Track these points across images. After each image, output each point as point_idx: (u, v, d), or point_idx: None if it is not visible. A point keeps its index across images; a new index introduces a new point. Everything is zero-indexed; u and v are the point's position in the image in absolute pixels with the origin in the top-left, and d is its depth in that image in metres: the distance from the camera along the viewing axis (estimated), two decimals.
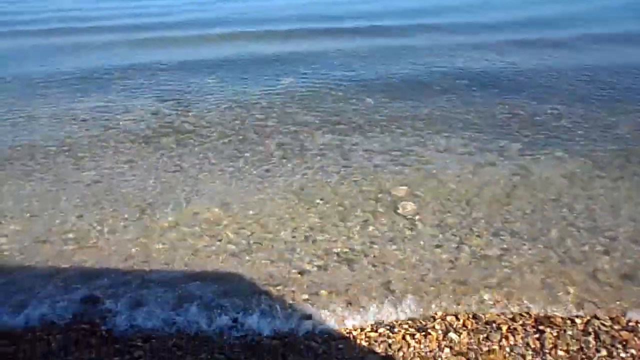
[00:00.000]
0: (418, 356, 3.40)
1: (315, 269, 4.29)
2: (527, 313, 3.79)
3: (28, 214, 5.15)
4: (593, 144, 6.61)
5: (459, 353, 3.42)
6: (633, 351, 3.40)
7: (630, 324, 3.66)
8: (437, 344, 3.49)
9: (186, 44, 13.00)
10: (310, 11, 17.28)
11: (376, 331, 3.62)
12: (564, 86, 9.03)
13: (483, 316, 3.76)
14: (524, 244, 4.59)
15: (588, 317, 3.72)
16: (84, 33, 14.79)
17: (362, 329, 3.65)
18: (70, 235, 4.78)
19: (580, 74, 9.63)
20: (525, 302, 3.90)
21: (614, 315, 3.75)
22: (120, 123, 7.55)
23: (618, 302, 3.87)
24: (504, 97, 8.48)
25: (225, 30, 14.26)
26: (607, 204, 5.23)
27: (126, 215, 5.11)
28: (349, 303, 3.89)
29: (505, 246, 4.57)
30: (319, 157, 6.32)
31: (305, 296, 3.96)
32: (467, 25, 14.59)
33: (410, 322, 3.71)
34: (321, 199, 5.37)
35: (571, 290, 4.02)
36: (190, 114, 7.88)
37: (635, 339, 3.51)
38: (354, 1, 20.02)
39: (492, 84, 9.22)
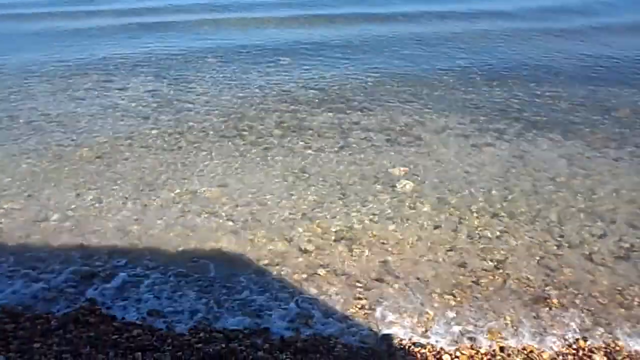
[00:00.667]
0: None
1: (313, 247, 4.31)
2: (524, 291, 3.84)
3: (26, 193, 5.12)
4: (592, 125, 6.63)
5: None
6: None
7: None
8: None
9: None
10: None
11: (375, 309, 3.66)
12: (565, 69, 8.98)
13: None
14: (523, 226, 4.62)
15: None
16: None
17: (360, 307, 3.68)
18: (69, 213, 4.77)
19: (582, 59, 9.57)
20: (522, 282, 3.93)
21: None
22: (119, 102, 7.48)
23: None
24: (504, 79, 8.44)
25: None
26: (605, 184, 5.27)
27: (124, 194, 5.10)
28: (347, 283, 3.92)
29: (502, 228, 4.59)
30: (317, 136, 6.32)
31: (304, 275, 3.99)
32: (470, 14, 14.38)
33: (408, 301, 3.75)
34: (319, 178, 5.38)
35: (567, 272, 4.05)
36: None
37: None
38: None
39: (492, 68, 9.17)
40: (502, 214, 4.79)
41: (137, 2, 14.41)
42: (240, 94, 7.69)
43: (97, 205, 4.91)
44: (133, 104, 7.33)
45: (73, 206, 4.89)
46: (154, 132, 6.44)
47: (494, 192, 5.15)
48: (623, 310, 3.68)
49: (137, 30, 11.62)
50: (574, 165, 5.70)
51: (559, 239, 4.46)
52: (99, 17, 12.97)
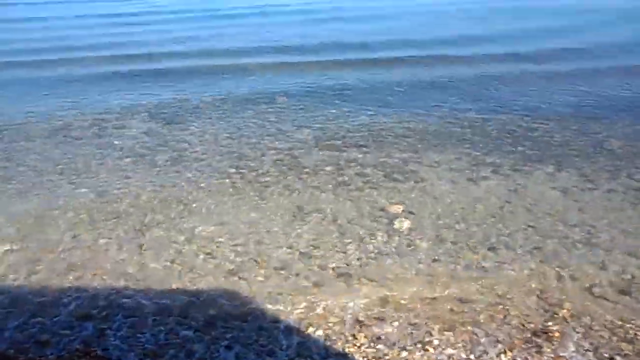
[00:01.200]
0: None
1: (311, 285, 4.28)
2: (524, 326, 3.80)
3: (21, 234, 5.10)
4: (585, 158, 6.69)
5: None
6: None
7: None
8: None
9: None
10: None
11: (374, 348, 3.61)
12: (558, 105, 9.13)
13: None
14: (521, 260, 4.60)
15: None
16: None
17: (359, 346, 3.63)
18: (65, 255, 4.75)
19: (574, 95, 9.75)
20: (523, 316, 3.90)
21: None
22: (115, 141, 7.52)
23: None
24: (497, 114, 8.56)
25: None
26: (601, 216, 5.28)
27: (121, 233, 5.08)
28: (346, 320, 3.87)
29: (501, 261, 4.57)
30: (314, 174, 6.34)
31: (302, 313, 3.94)
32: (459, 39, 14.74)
33: (408, 338, 3.70)
34: (317, 216, 5.37)
35: (568, 306, 4.02)
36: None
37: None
38: None
39: (481, 99, 9.32)
40: (500, 247, 4.78)
41: (130, 49, 14.63)
42: (237, 134, 7.76)
43: (93, 246, 4.88)
44: (129, 144, 7.37)
45: (69, 247, 4.87)
46: (151, 170, 6.47)
47: (490, 226, 5.15)
48: (626, 344, 3.63)
49: (131, 76, 11.76)
50: (569, 198, 5.73)
51: (558, 271, 4.44)
52: (90, 65, 13.14)
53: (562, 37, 14.96)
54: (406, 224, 5.18)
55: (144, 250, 4.81)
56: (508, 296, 4.13)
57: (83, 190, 6.00)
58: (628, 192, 5.79)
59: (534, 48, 13.45)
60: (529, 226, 5.13)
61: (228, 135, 7.70)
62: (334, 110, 8.76)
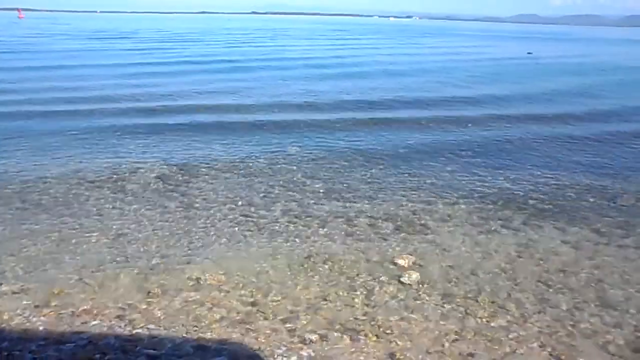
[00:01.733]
0: None
1: (317, 338, 4.20)
2: None
3: (29, 274, 5.10)
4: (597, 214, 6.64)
5: None
6: None
7: None
8: None
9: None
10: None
11: None
12: (568, 158, 9.17)
13: None
14: (531, 316, 4.51)
15: None
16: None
17: None
18: (67, 299, 4.72)
19: (583, 148, 9.80)
20: None
21: None
22: (127, 186, 7.59)
23: None
24: (509, 168, 8.60)
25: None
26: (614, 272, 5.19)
27: (128, 278, 5.07)
28: None
29: (510, 318, 4.48)
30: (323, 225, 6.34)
31: None
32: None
33: None
34: (325, 267, 5.34)
35: None
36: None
37: None
38: None
39: (494, 154, 9.38)
40: (510, 304, 4.70)
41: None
42: (247, 182, 7.81)
43: (98, 289, 4.86)
44: (141, 190, 7.43)
45: (74, 290, 4.84)
46: (160, 216, 6.50)
47: (500, 281, 5.08)
48: None
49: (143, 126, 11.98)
50: (581, 253, 5.66)
51: (570, 329, 4.34)
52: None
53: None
54: (415, 275, 5.13)
55: (150, 295, 4.78)
56: (519, 353, 4.03)
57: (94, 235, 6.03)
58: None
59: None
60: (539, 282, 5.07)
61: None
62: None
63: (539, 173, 8.31)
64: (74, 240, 5.83)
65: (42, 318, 4.41)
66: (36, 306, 4.58)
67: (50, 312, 4.51)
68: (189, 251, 5.63)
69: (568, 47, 36.23)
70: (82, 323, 4.35)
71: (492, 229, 6.24)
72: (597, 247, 5.83)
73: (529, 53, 33.09)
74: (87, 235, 5.97)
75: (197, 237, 5.99)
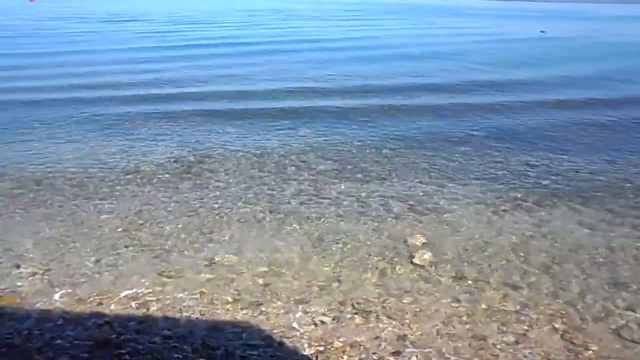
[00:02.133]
0: None
1: (329, 319, 4.24)
2: None
3: (47, 258, 5.18)
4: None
5: None
6: None
7: None
8: None
9: None
10: None
11: None
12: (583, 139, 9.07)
13: None
14: (543, 299, 4.51)
15: None
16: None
17: None
18: (84, 280, 4.80)
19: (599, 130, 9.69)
20: (545, 357, 3.80)
21: None
22: (141, 168, 7.65)
23: None
24: (522, 149, 8.53)
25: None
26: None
27: (143, 261, 5.13)
28: (363, 357, 3.82)
29: (523, 300, 4.48)
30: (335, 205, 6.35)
31: (321, 348, 3.91)
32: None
33: None
34: (337, 248, 5.36)
35: (593, 347, 3.91)
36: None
37: None
38: None
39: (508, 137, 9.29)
40: (522, 285, 4.69)
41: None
42: (259, 163, 7.84)
43: (114, 273, 4.92)
44: (154, 172, 7.48)
45: (91, 272, 4.92)
46: (174, 198, 6.56)
47: (513, 263, 5.07)
48: None
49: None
50: (596, 234, 5.63)
51: (582, 312, 4.33)
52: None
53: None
54: (427, 256, 5.14)
55: (164, 277, 4.84)
56: (530, 335, 4.04)
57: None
58: None
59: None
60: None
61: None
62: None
63: (553, 155, 8.22)
64: (89, 223, 5.91)
65: (59, 299, 4.50)
66: (53, 287, 4.67)
67: (68, 292, 4.59)
68: (202, 232, 5.69)
69: (580, 26, 35.63)
70: (98, 304, 4.43)
71: (505, 209, 6.21)
72: (610, 227, 5.79)
73: (541, 32, 32.68)
74: (103, 218, 6.05)
75: (210, 218, 6.03)
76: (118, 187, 6.93)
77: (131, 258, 5.18)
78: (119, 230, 5.77)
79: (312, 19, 38.63)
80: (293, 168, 7.62)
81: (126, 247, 5.40)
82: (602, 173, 7.42)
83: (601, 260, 5.12)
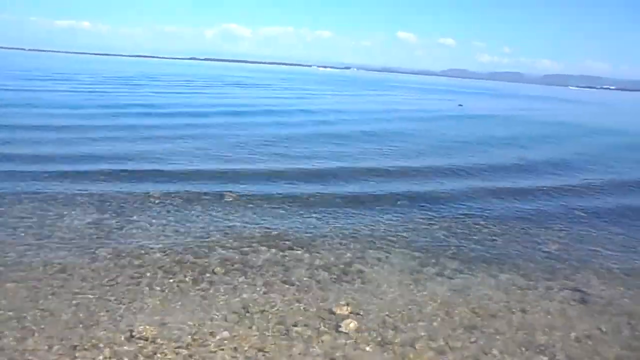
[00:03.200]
0: None
1: None
2: None
3: None
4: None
5: None
6: None
7: None
8: None
9: None
10: None
11: None
12: (499, 210, 9.61)
13: None
14: None
15: None
16: None
17: None
18: None
19: (514, 201, 10.32)
20: None
21: None
22: (56, 232, 7.25)
23: None
24: (443, 218, 8.90)
25: None
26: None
27: (53, 333, 4.78)
28: None
29: None
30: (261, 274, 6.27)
31: None
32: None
33: None
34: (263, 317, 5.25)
35: None
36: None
37: None
38: None
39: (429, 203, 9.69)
40: (447, 350, 4.78)
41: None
42: (182, 229, 7.65)
43: (19, 347, 4.54)
44: (71, 235, 7.11)
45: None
46: (91, 266, 6.22)
47: (435, 327, 5.17)
48: None
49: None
50: (511, 298, 5.88)
51: None
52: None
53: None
54: (352, 325, 5.13)
55: (77, 350, 4.52)
56: None
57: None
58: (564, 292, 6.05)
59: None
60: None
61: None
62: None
63: (471, 222, 8.63)
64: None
65: None
66: None
67: None
68: (121, 304, 5.39)
69: (494, 102, 38.69)
70: None
71: (427, 276, 6.38)
72: (524, 293, 6.08)
73: (459, 105, 35.62)
74: (6, 286, 5.62)
75: (129, 288, 5.75)
76: (28, 252, 6.50)
77: (41, 330, 4.79)
78: (26, 297, 5.36)
79: (251, 86, 38.99)
80: (218, 235, 7.48)
81: (34, 317, 5.00)
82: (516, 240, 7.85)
83: (517, 324, 5.33)
